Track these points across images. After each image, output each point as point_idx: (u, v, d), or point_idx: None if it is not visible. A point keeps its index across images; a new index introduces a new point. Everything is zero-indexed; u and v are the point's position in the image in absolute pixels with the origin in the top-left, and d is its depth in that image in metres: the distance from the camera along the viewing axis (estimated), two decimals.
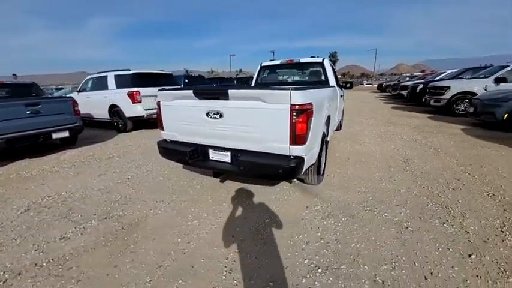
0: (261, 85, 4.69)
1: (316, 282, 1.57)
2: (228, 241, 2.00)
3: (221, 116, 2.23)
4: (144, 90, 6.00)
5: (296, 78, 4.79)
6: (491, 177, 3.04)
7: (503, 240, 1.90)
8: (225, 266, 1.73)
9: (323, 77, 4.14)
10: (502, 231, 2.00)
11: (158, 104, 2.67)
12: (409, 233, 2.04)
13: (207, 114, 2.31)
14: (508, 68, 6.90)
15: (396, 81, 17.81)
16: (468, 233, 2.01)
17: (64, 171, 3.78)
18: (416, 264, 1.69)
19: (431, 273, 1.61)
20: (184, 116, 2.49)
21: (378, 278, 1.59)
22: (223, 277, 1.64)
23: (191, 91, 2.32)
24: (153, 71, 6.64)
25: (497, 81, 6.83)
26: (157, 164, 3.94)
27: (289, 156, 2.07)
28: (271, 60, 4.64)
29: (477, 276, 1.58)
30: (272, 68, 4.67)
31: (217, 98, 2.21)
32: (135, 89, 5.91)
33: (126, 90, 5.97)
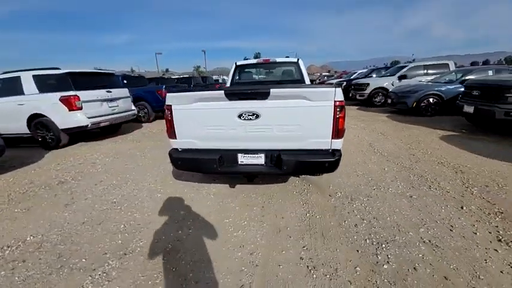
0: (238, 84, 4.62)
1: (389, 256, 1.80)
2: (289, 240, 1.99)
3: (257, 117, 2.15)
4: (85, 94, 4.85)
5: (272, 77, 4.95)
6: (431, 150, 4.08)
7: (472, 193, 2.64)
8: (307, 266, 1.74)
9: (299, 76, 4.46)
10: (467, 187, 2.77)
11: (168, 108, 2.31)
12: (415, 200, 2.55)
13: (240, 116, 2.18)
14: (407, 68, 9.16)
15: (320, 80, 20.53)
16: (448, 192, 2.69)
17: (5, 211, 2.70)
18: (438, 222, 2.16)
19: (452, 226, 2.10)
20: (210, 120, 2.26)
21: (424, 239, 1.95)
22: (310, 274, 1.65)
23: (222, 92, 2.13)
24: (92, 70, 5.44)
25: (400, 78, 8.96)
26: (140, 180, 3.35)
27: (330, 150, 2.21)
28: (245, 59, 4.63)
29: (477, 220, 2.16)
30: (247, 67, 4.68)
31: (255, 99, 2.12)
32: (72, 92, 4.71)
33: (58, 94, 4.68)
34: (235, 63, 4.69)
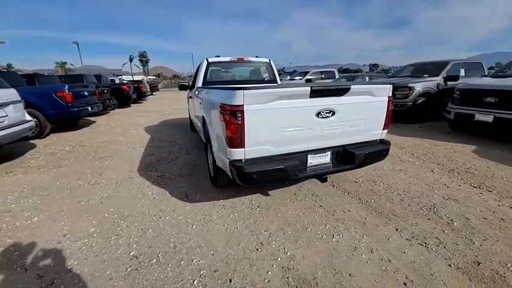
0: (210, 83, 4.11)
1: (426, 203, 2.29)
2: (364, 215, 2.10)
3: (333, 114, 2.10)
4: None
5: (246, 76, 4.71)
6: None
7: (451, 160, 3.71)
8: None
9: (272, 76, 4.53)
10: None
11: (238, 109, 1.80)
12: (424, 173, 3.30)
13: (318, 114, 2.04)
14: (310, 73, 11.16)
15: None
16: (433, 163, 3.66)
17: None
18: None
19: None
20: (289, 121, 1.96)
21: (449, 197, 2.61)
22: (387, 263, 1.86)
23: (307, 88, 1.90)
24: None
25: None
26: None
27: (379, 140, 2.49)
28: (217, 57, 4.16)
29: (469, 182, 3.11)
30: (219, 65, 4.24)
31: (334, 95, 2.05)
32: None
33: None
34: (207, 59, 4.14)
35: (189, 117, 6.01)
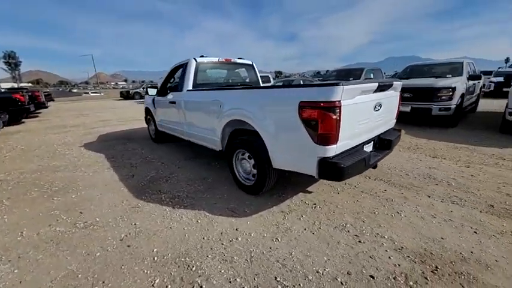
0: (200, 85, 3.70)
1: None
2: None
3: (381, 106, 2.39)
4: None
5: (230, 78, 4.39)
6: None
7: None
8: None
9: (256, 78, 4.51)
10: None
11: (336, 105, 1.78)
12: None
13: (374, 107, 2.27)
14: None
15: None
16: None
17: None
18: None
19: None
20: (362, 114, 2.08)
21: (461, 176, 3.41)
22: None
23: (376, 84, 2.08)
24: None
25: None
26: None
27: (393, 128, 2.99)
28: (201, 57, 3.75)
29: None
30: (207, 66, 3.85)
31: (384, 90, 2.33)
32: None
33: None
34: (195, 59, 3.65)
35: (153, 126, 5.12)
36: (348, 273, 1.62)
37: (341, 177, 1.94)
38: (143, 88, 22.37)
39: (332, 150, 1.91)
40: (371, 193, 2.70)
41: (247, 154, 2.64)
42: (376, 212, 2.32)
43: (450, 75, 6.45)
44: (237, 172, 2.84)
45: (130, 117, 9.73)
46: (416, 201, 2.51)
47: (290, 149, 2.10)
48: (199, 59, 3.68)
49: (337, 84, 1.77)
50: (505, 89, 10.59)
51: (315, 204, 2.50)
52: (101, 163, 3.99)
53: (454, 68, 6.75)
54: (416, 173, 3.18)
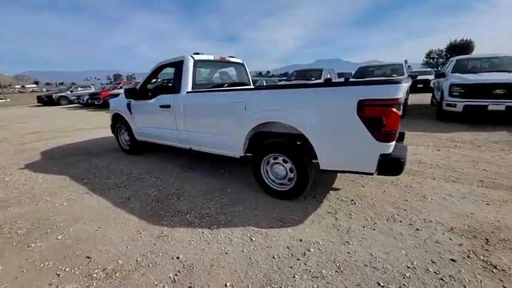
0: (198, 86, 3.31)
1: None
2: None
3: None
4: None
5: (223, 77, 4.00)
6: None
7: None
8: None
9: (246, 78, 4.31)
10: None
11: (400, 102, 1.83)
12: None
13: None
14: None
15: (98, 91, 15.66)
16: None
17: None
18: None
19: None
20: None
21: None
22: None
23: (411, 81, 2.23)
24: None
25: None
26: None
27: None
28: (196, 54, 3.34)
29: None
30: (204, 65, 3.46)
31: None
32: None
33: None
34: (192, 57, 3.19)
35: (126, 135, 4.33)
36: (432, 262, 1.69)
37: (400, 172, 2.02)
38: (71, 91, 18.77)
39: (392, 147, 1.96)
40: (390, 182, 2.92)
41: (281, 158, 2.48)
42: (408, 199, 2.52)
43: (395, 75, 7.64)
44: (266, 178, 2.65)
45: (70, 126, 8.01)
46: (428, 184, 2.84)
47: (345, 148, 2.07)
48: (196, 57, 3.27)
49: (399, 82, 1.83)
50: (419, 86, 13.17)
51: (352, 200, 2.55)
52: (71, 188, 3.12)
53: (396, 69, 8.02)
54: (407, 160, 3.60)
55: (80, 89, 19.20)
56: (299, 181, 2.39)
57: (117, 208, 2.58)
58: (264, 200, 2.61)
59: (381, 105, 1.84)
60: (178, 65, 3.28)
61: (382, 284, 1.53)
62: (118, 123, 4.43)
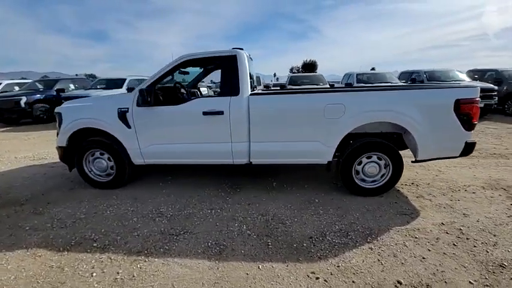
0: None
1: None
2: None
3: None
4: None
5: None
6: None
7: None
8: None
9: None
10: None
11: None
12: None
13: None
14: None
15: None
16: None
17: None
18: None
19: None
20: None
21: None
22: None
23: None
24: None
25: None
26: None
27: None
28: (241, 49, 2.80)
29: None
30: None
31: None
32: None
33: None
34: (242, 50, 2.62)
35: (112, 161, 2.94)
36: None
37: (471, 153, 2.65)
38: None
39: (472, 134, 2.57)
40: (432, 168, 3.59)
41: (375, 156, 2.61)
42: (452, 193, 2.82)
43: (321, 83, 9.29)
44: (356, 178, 2.69)
45: None
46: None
47: (442, 139, 2.50)
48: (244, 52, 2.76)
49: (476, 86, 2.46)
50: None
51: (418, 194, 2.91)
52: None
53: (319, 79, 9.74)
54: None
55: None
56: (394, 175, 2.62)
57: (125, 250, 1.80)
58: (350, 202, 2.61)
59: (472, 103, 2.40)
60: (226, 62, 2.66)
61: None
62: (86, 144, 2.90)
